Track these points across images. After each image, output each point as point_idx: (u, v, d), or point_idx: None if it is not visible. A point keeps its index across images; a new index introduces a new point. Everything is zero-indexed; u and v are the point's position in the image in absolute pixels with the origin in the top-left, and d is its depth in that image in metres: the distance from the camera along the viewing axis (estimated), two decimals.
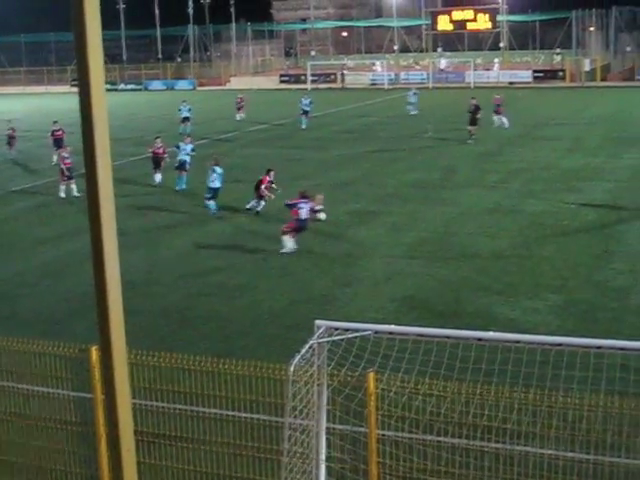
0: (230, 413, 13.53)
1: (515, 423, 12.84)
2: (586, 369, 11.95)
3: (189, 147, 38.77)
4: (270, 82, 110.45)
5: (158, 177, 39.11)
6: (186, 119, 59.10)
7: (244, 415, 13.42)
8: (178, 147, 38.85)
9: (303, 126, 60.70)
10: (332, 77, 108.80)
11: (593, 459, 12.53)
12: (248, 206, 32.51)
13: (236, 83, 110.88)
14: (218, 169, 32.48)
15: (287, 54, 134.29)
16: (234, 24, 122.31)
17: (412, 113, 67.11)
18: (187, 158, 38.20)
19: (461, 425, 12.72)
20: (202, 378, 13.25)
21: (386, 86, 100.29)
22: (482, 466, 12.46)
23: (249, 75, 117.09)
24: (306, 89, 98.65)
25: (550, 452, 12.86)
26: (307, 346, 11.09)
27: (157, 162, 39.21)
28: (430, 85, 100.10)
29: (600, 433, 12.48)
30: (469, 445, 12.86)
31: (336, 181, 39.27)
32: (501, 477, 12.23)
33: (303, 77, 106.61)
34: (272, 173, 32.48)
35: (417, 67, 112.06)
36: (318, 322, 11.40)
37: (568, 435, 12.62)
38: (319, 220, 27.69)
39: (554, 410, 12.02)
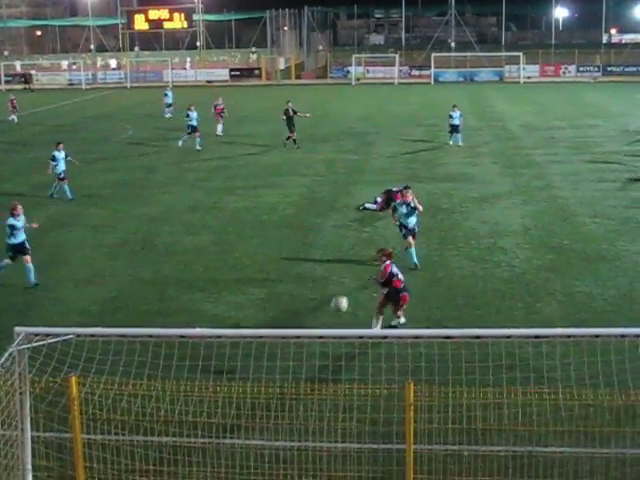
0: None
1: (221, 417, 13.06)
2: (287, 359, 12.34)
3: None
4: None
5: None
6: None
7: None
8: None
9: None
10: (28, 77, 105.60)
11: (297, 446, 12.97)
12: None
13: None
14: None
15: None
16: None
17: (168, 116, 64.06)
18: None
19: (167, 423, 12.79)
20: None
21: (84, 86, 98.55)
22: (190, 461, 12.58)
23: None
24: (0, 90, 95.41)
25: (256, 442, 13.19)
26: (7, 354, 10.79)
27: None
28: (128, 85, 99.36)
29: (303, 420, 12.92)
30: (176, 442, 12.95)
31: (34, 183, 38.19)
32: (209, 471, 12.40)
33: None
34: None
35: (114, 66, 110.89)
36: (17, 329, 11.11)
37: (272, 425, 12.98)
38: None
39: (258, 401, 12.33)
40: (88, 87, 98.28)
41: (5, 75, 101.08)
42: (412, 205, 24.15)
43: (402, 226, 24.48)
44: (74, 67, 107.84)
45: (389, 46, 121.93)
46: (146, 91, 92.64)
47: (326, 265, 24.80)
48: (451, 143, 46.93)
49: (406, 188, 29.39)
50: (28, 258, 23.12)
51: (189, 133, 47.65)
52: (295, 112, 47.87)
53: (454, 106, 47.25)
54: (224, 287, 22.84)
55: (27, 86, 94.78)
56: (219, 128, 52.57)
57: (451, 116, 47.10)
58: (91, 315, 20.57)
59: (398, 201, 25.27)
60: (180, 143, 47.80)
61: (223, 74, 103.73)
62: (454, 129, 47.19)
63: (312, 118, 50.35)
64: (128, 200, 34.20)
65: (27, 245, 23.39)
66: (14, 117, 64.45)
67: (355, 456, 12.95)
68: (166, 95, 65.83)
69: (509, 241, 26.86)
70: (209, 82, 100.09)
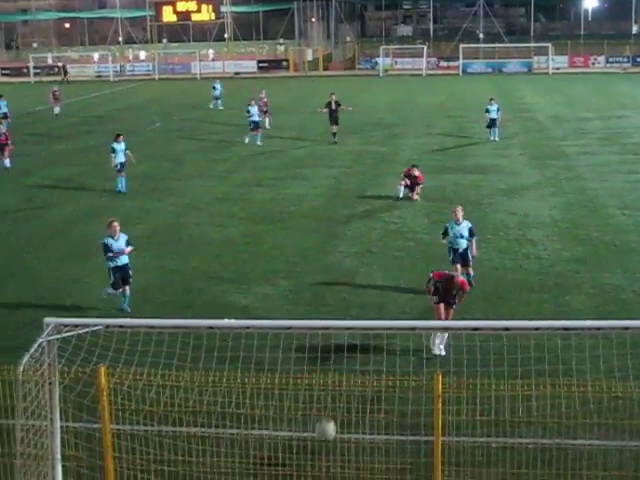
0: None
1: (249, 408, 13.07)
2: (315, 350, 12.36)
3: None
4: None
5: None
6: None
7: None
8: None
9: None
10: (56, 70, 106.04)
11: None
12: None
13: None
14: None
15: (8, 46, 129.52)
16: None
17: (220, 108, 63.79)
18: None
19: (196, 414, 12.84)
20: None
21: (112, 78, 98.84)
22: (219, 452, 12.62)
23: None
24: (29, 82, 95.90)
25: (284, 434, 13.20)
26: (36, 345, 10.85)
27: None
28: (156, 76, 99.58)
29: (331, 411, 12.92)
30: (205, 433, 12.99)
31: (59, 176, 38.40)
32: (237, 462, 12.43)
33: (25, 70, 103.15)
34: None
35: (142, 58, 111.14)
36: (47, 319, 11.17)
37: (301, 416, 12.99)
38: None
39: (286, 393, 12.33)
40: (116, 79, 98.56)
41: (35, 67, 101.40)
42: (464, 225, 21.48)
43: (451, 249, 21.64)
44: (110, 58, 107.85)
45: (417, 37, 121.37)
46: (174, 83, 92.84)
47: (354, 257, 24.79)
48: (491, 138, 45.19)
49: (413, 167, 29.60)
50: (127, 288, 20.35)
51: (252, 129, 46.07)
52: (339, 105, 46.29)
53: (491, 99, 45.42)
54: (252, 279, 22.87)
55: (64, 78, 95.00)
56: (266, 121, 51.62)
57: (488, 110, 44.92)
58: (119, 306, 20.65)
59: (449, 222, 21.91)
60: (247, 140, 46.04)
61: (251, 66, 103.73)
62: (491, 123, 45.07)
63: (350, 111, 49.56)
64: (156, 192, 34.29)
65: (129, 272, 20.38)
66: (57, 109, 64.07)
67: (383, 447, 12.95)
68: (214, 88, 65.69)
69: (538, 233, 26.75)
70: (237, 74, 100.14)
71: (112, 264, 20.22)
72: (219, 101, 64.86)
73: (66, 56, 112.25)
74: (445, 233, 21.78)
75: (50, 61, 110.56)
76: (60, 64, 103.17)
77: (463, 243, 21.41)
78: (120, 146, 34.24)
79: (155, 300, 21.32)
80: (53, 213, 31.20)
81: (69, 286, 22.71)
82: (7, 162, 39.79)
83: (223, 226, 28.69)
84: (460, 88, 77.88)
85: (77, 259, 25.15)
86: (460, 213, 21.52)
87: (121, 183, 34.41)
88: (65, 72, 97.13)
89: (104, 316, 17.66)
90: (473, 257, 21.69)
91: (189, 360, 11.82)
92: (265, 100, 52.31)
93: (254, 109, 46.43)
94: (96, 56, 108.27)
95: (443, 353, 16.74)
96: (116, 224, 20.45)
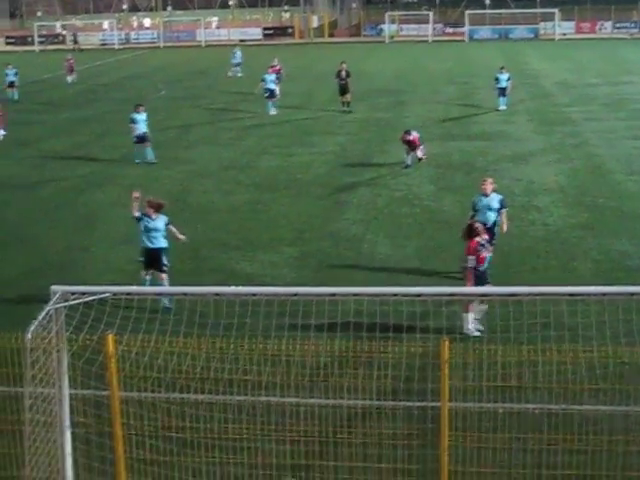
0: None
1: (256, 374, 13.13)
2: (322, 317, 12.37)
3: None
4: None
5: None
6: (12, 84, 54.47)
7: None
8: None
9: (15, 97, 54.23)
10: (60, 38, 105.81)
11: (332, 403, 13.04)
12: None
13: None
14: None
15: (12, 15, 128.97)
16: None
17: (239, 75, 63.05)
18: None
19: (203, 380, 12.90)
20: None
21: (116, 46, 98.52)
22: (226, 419, 12.68)
23: None
24: (34, 51, 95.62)
25: (292, 400, 13.26)
26: (44, 312, 10.87)
27: None
28: (161, 44, 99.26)
29: (338, 377, 12.98)
30: (212, 400, 13.06)
31: (68, 144, 38.41)
32: (245, 428, 12.49)
33: (30, 39, 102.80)
34: None
35: (147, 26, 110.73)
36: (54, 287, 11.19)
37: (307, 382, 13.04)
38: None
39: (293, 359, 12.38)
40: (121, 47, 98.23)
41: (39, 36, 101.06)
42: (493, 197, 20.00)
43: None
44: (115, 26, 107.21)
45: (423, 3, 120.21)
46: (179, 51, 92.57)
47: (360, 223, 24.80)
48: (500, 107, 43.90)
49: (406, 132, 29.38)
50: (164, 276, 18.57)
51: (267, 97, 45.17)
52: (349, 75, 45.09)
53: (502, 68, 44.37)
54: (258, 246, 22.91)
55: (76, 46, 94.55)
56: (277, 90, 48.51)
57: (497, 78, 43.70)
58: (126, 274, 20.67)
59: (476, 195, 20.46)
60: (273, 111, 44.89)
61: (256, 33, 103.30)
62: (501, 92, 43.75)
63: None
64: (162, 159, 34.23)
65: (164, 260, 18.67)
66: (70, 78, 63.81)
67: (390, 413, 13.01)
68: (234, 54, 65.30)
69: (544, 199, 26.72)
70: (242, 41, 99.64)
71: (147, 244, 18.77)
72: (239, 68, 64.07)
73: (72, 24, 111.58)
74: (474, 208, 20.08)
75: (59, 29, 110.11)
76: (64, 32, 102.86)
77: (492, 216, 19.78)
78: (141, 116, 33.41)
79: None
80: (60, 182, 31.20)
81: (76, 254, 22.77)
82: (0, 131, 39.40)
83: (229, 193, 28.70)
84: (466, 54, 77.53)
85: (84, 228, 25.19)
86: (490, 186, 20.00)
87: (148, 154, 33.53)
88: (76, 40, 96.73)
89: (111, 284, 17.71)
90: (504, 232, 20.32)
91: (196, 327, 11.85)
92: (278, 67, 51.04)
93: (270, 77, 45.56)
94: (106, 24, 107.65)
95: (477, 333, 16.20)
96: (154, 202, 18.86)
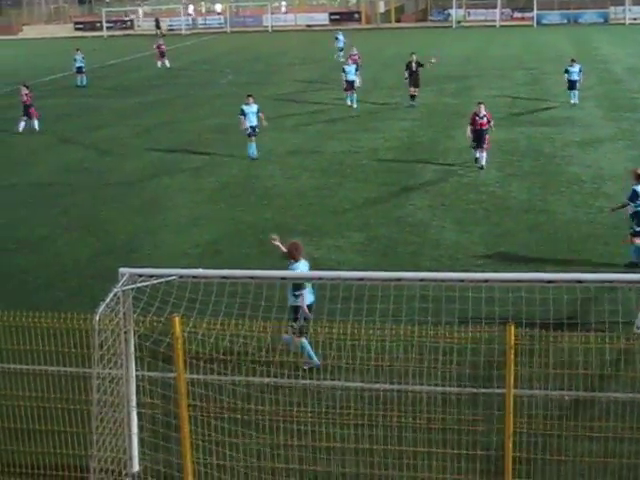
0: (37, 367, 13.33)
1: (322, 358, 13.17)
2: (387, 301, 12.35)
3: None
4: (64, 30, 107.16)
5: None
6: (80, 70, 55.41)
7: (52, 368, 13.23)
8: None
9: (84, 83, 55.44)
10: (128, 24, 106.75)
11: (397, 388, 13.01)
12: None
13: (29, 32, 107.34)
14: None
15: (81, 1, 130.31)
16: None
17: (342, 60, 56.74)
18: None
19: (269, 364, 12.96)
20: (6, 333, 12.95)
21: (184, 32, 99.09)
22: (291, 402, 12.73)
23: (42, 23, 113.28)
24: (102, 36, 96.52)
25: (356, 384, 13.28)
26: (112, 294, 11.01)
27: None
28: (228, 29, 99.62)
29: (403, 362, 12.94)
30: (278, 383, 13.12)
31: (136, 129, 38.77)
32: (309, 412, 12.53)
33: (99, 24, 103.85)
34: None
35: (218, 11, 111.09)
36: (122, 270, 11.33)
37: (372, 367, 13.04)
38: None
39: (359, 343, 12.37)
40: (188, 32, 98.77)
41: (107, 22, 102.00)
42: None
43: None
44: (189, 11, 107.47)
45: None
46: (245, 36, 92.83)
47: (426, 209, 24.69)
48: (572, 101, 41.52)
49: (479, 104, 28.52)
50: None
51: (345, 89, 42.97)
52: (420, 65, 42.22)
53: (572, 60, 42.20)
54: (324, 231, 22.92)
55: (159, 31, 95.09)
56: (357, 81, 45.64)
57: (567, 70, 41.11)
58: (192, 258, 20.85)
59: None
60: (355, 104, 42.76)
61: (322, 18, 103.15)
62: (572, 85, 41.29)
63: (435, 62, 46.82)
64: (228, 145, 34.40)
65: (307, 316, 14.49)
66: (162, 62, 64.15)
67: (455, 399, 12.96)
68: (337, 39, 64.42)
69: (613, 186, 26.34)
70: (308, 26, 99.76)
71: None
72: (342, 52, 61.95)
73: (155, 10, 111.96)
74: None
75: (141, 15, 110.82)
76: (132, 17, 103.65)
77: None
78: (251, 108, 31.06)
79: (227, 251, 21.50)
80: (126, 167, 31.50)
81: (143, 238, 22.99)
82: (35, 124, 38.94)
83: (295, 178, 28.75)
84: (534, 39, 76.65)
85: (151, 212, 25.43)
86: None
87: (252, 149, 31.68)
88: (158, 25, 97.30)
89: (178, 266, 17.85)
90: None
91: (261, 310, 11.89)
92: (356, 55, 49.12)
93: (351, 68, 43.05)
94: (191, 8, 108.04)
95: None
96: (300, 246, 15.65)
